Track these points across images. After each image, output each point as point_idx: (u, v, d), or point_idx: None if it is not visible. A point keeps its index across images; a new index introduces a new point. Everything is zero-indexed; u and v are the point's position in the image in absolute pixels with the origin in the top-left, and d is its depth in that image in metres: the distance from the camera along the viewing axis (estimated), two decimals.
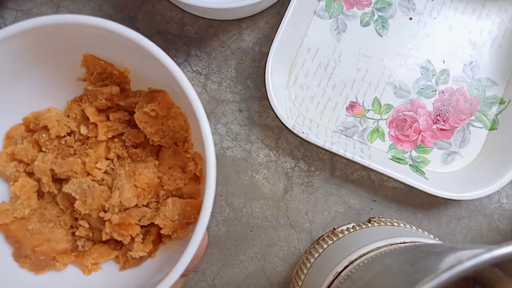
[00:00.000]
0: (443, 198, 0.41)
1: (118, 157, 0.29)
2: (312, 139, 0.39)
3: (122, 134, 0.29)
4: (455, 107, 0.42)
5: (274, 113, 0.39)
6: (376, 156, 0.40)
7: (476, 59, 0.42)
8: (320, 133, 0.40)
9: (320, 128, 0.41)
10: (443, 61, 0.42)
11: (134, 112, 0.29)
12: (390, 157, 0.41)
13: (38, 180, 0.29)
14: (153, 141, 0.29)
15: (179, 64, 0.42)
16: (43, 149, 0.29)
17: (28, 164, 0.29)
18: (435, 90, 0.42)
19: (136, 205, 0.27)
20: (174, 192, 0.29)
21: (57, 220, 0.29)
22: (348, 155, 0.39)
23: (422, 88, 0.42)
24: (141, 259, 0.28)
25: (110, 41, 0.26)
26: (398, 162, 0.41)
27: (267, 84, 0.39)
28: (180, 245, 0.27)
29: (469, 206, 0.41)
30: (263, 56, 0.43)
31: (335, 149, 0.39)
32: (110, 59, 0.28)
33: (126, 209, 0.27)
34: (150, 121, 0.28)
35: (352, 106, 0.42)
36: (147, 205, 0.28)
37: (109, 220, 0.27)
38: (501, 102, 0.41)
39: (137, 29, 0.43)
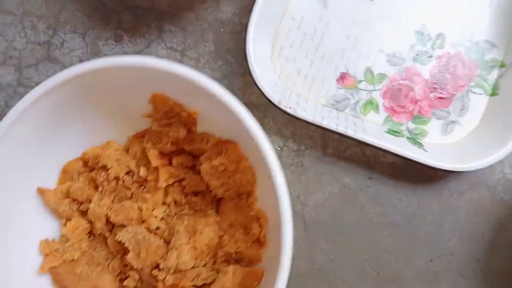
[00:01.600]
0: (444, 171, 0.39)
1: (175, 202, 0.28)
2: (301, 114, 0.37)
3: (182, 179, 0.28)
4: (453, 73, 0.40)
5: (259, 89, 0.36)
6: (371, 129, 0.38)
7: (473, 20, 0.40)
8: (309, 108, 0.38)
9: (309, 103, 0.39)
10: (438, 24, 0.40)
11: (198, 157, 0.28)
12: (386, 130, 0.39)
13: (91, 222, 0.28)
14: (215, 193, 0.27)
15: (151, 41, 0.40)
16: (100, 188, 0.28)
17: (82, 203, 0.28)
18: (431, 56, 0.40)
19: (192, 266, 0.26)
20: (233, 255, 0.27)
21: (105, 263, 0.28)
22: (340, 129, 0.37)
23: (417, 54, 0.40)
24: None
25: (179, 83, 0.25)
26: (395, 135, 0.39)
27: (248, 57, 0.37)
28: None
29: (470, 178, 0.39)
30: (244, 28, 0.40)
31: (325, 123, 0.37)
32: (179, 100, 0.27)
33: (180, 271, 0.26)
34: (217, 174, 0.26)
35: (342, 77, 0.40)
36: (205, 265, 0.27)
37: (163, 281, 0.26)
38: (502, 65, 0.39)
39: (103, 5, 0.40)
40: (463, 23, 0.40)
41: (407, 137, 0.39)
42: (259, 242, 0.27)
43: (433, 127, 0.40)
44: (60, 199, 0.28)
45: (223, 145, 0.27)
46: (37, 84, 0.39)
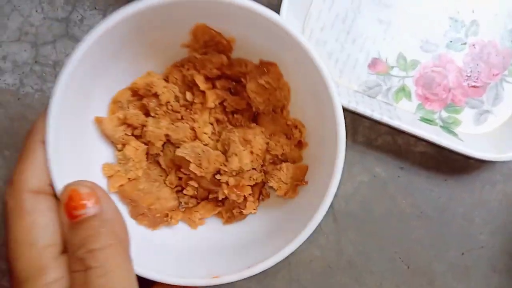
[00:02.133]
0: (476, 162, 0.38)
1: (217, 121, 0.32)
2: None
3: (224, 100, 0.32)
4: (487, 61, 0.39)
5: None
6: (404, 117, 0.37)
7: (508, 8, 0.39)
8: (341, 93, 0.37)
9: (340, 88, 0.37)
10: (473, 11, 0.39)
11: (237, 80, 0.32)
12: (419, 118, 0.38)
13: (147, 143, 0.31)
14: (257, 108, 0.31)
15: None
16: (152, 114, 0.31)
17: (135, 128, 0.31)
18: (465, 43, 0.39)
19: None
20: (279, 157, 0.32)
21: (161, 179, 0.32)
22: (376, 116, 0.35)
23: (451, 41, 0.39)
24: (246, 215, 0.32)
25: (221, 10, 0.27)
26: (428, 123, 0.38)
27: None
28: (279, 204, 0.32)
29: (503, 169, 0.39)
30: (272, 9, 0.38)
31: (361, 109, 0.35)
32: (218, 28, 0.30)
33: (240, 172, 0.31)
34: (261, 91, 0.31)
35: (374, 63, 0.39)
36: (254, 168, 0.31)
37: (226, 182, 0.31)
38: None
39: None
40: (498, 10, 0.39)
41: (441, 126, 0.38)
42: (300, 144, 0.32)
43: (466, 116, 0.39)
44: (116, 126, 0.31)
45: (265, 66, 0.31)
46: (54, 62, 0.38)
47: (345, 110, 0.36)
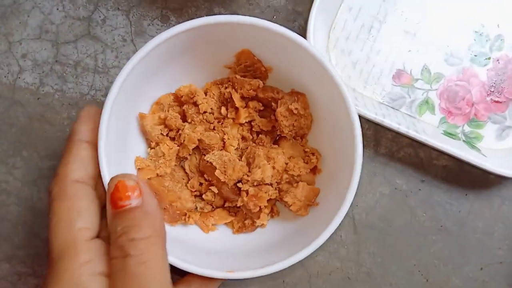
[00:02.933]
0: (496, 178, 0.39)
1: (243, 138, 0.35)
2: (362, 111, 0.35)
3: (252, 120, 0.35)
4: (510, 76, 0.39)
5: None
6: (428, 130, 0.37)
7: None
8: (367, 105, 0.37)
9: (365, 99, 0.37)
10: (498, 25, 0.39)
11: (267, 105, 0.35)
12: (442, 132, 0.38)
13: (179, 145, 0.34)
14: (282, 131, 0.34)
15: None
16: (189, 120, 0.34)
17: (171, 130, 0.34)
18: (489, 58, 0.39)
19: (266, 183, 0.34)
20: (295, 178, 0.34)
21: (183, 182, 0.35)
22: (403, 130, 0.35)
23: (475, 55, 0.39)
24: (256, 227, 0.35)
25: (266, 40, 0.31)
26: (451, 138, 0.38)
27: None
28: (288, 222, 0.35)
29: None
30: (297, 16, 0.39)
31: (388, 122, 0.35)
32: (259, 56, 0.34)
33: (259, 184, 0.33)
34: (289, 116, 0.34)
35: (399, 74, 0.39)
36: (271, 184, 0.34)
37: (246, 191, 0.33)
38: None
39: None
40: None
41: (463, 141, 0.38)
42: (315, 169, 0.35)
43: (488, 131, 0.39)
44: (155, 124, 0.34)
45: (295, 95, 0.34)
46: (75, 62, 0.37)
47: (368, 121, 0.37)
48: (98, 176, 0.29)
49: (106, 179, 0.28)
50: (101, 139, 0.29)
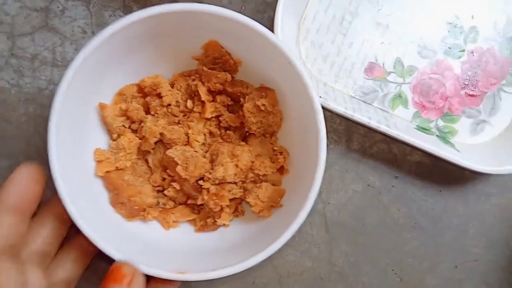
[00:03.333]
0: (471, 174, 0.38)
1: (210, 133, 0.34)
2: (331, 105, 0.34)
3: (220, 115, 0.34)
4: (485, 69, 0.38)
5: None
6: (401, 125, 0.36)
7: (508, 14, 0.38)
8: (338, 99, 0.36)
9: (336, 93, 0.36)
10: (472, 17, 0.38)
11: (236, 100, 0.34)
12: (415, 127, 0.37)
13: (141, 138, 0.33)
14: (249, 128, 0.33)
15: None
16: (152, 112, 0.33)
17: (133, 122, 0.33)
18: (463, 50, 0.38)
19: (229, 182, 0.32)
20: (261, 177, 0.33)
21: (145, 176, 0.34)
22: (374, 124, 0.34)
23: (449, 48, 0.38)
24: (218, 226, 0.33)
25: (234, 32, 0.30)
26: (424, 132, 0.37)
27: None
28: (252, 222, 0.33)
29: (498, 182, 0.38)
30: (267, 7, 0.37)
31: (358, 117, 0.34)
32: (228, 48, 0.33)
33: (221, 183, 0.32)
34: (256, 112, 0.33)
35: (371, 67, 0.37)
36: (235, 182, 0.33)
37: (207, 189, 0.32)
38: None
39: None
40: (498, 17, 0.38)
41: (437, 135, 0.37)
42: (282, 169, 0.34)
43: (462, 125, 0.38)
44: (116, 115, 0.33)
45: (264, 90, 0.33)
46: (32, 55, 0.36)
47: (340, 116, 0.36)
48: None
49: (56, 176, 0.28)
50: (51, 130, 0.28)
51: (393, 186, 0.37)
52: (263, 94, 0.33)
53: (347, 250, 0.37)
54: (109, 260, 0.28)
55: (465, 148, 0.37)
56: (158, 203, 0.34)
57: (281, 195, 0.33)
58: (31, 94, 0.36)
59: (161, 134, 0.32)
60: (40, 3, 0.36)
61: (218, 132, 0.34)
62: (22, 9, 0.36)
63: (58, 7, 0.36)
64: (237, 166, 0.32)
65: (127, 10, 0.36)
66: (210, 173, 0.32)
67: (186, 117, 0.34)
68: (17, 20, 0.36)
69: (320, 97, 0.34)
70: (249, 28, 0.29)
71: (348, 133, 0.37)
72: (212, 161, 0.32)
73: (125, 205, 0.32)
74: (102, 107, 0.32)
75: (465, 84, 0.38)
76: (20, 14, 0.36)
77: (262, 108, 0.32)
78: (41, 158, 0.33)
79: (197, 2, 0.37)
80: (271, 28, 0.35)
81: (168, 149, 0.33)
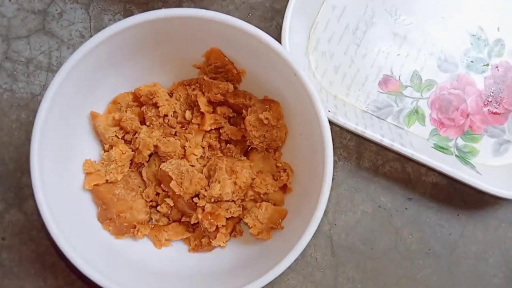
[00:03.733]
0: (492, 198, 0.35)
1: (210, 146, 0.32)
2: (341, 120, 0.32)
3: (220, 127, 0.32)
4: (511, 85, 0.35)
5: None
6: (416, 143, 0.34)
7: None
8: (348, 113, 0.33)
9: (347, 107, 0.34)
10: (498, 29, 0.36)
11: (239, 112, 0.32)
12: (432, 146, 0.34)
13: (135, 150, 0.31)
14: (251, 142, 0.31)
15: None
16: (147, 123, 0.31)
17: (127, 133, 0.31)
18: (487, 64, 0.35)
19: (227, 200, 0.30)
20: (262, 196, 0.31)
21: (138, 190, 0.31)
22: (387, 142, 0.32)
23: (472, 61, 0.35)
24: (213, 247, 0.31)
25: (238, 41, 0.29)
26: (442, 152, 0.34)
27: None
28: (251, 244, 0.31)
29: None
30: (276, 14, 0.35)
31: (369, 133, 0.32)
32: (231, 57, 0.30)
33: (218, 201, 0.30)
34: (259, 126, 0.30)
35: (386, 80, 0.35)
36: (233, 201, 0.30)
37: (202, 207, 0.30)
38: None
39: None
40: None
41: (456, 155, 0.35)
42: (285, 188, 0.32)
43: (484, 145, 0.35)
44: (109, 125, 0.31)
45: (268, 103, 0.31)
46: (27, 59, 0.34)
47: (351, 132, 0.33)
48: None
49: (37, 190, 0.26)
50: (34, 139, 0.27)
51: (406, 208, 0.35)
52: (267, 106, 0.31)
53: (354, 276, 0.34)
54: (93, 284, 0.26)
55: (487, 170, 0.34)
56: (151, 219, 0.32)
57: (282, 216, 0.31)
58: (24, 100, 0.34)
59: (155, 146, 0.30)
60: (38, 5, 0.34)
61: (218, 145, 0.32)
62: (19, 11, 0.34)
63: (56, 10, 0.34)
64: (235, 183, 0.29)
65: (128, 14, 0.35)
66: (206, 190, 0.30)
67: (184, 128, 0.32)
68: (13, 22, 0.34)
69: (329, 111, 0.32)
70: (254, 37, 0.28)
71: (359, 150, 0.35)
72: (209, 177, 0.30)
73: (114, 221, 0.30)
74: (94, 116, 0.31)
75: (488, 100, 0.35)
76: (17, 16, 0.34)
77: (265, 121, 0.30)
78: None
79: (202, 7, 0.35)
80: (279, 36, 0.33)
81: (163, 161, 0.31)
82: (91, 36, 0.34)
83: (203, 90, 0.31)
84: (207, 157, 0.32)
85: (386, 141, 0.32)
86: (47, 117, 0.27)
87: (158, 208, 0.31)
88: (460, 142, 0.35)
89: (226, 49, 0.30)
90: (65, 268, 0.33)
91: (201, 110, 0.31)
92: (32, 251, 0.33)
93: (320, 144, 0.28)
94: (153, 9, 0.35)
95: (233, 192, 0.30)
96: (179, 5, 0.35)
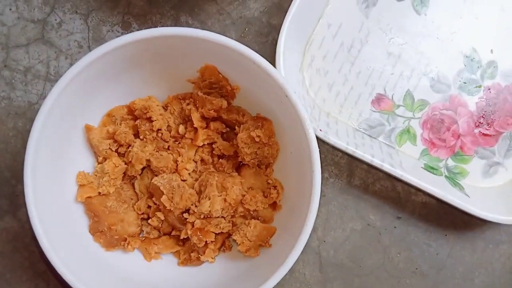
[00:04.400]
0: (480, 219, 0.35)
1: (202, 161, 0.32)
2: (332, 139, 0.32)
3: (213, 142, 0.32)
4: (502, 108, 0.36)
5: None
6: (406, 163, 0.34)
7: None
8: (340, 132, 0.33)
9: (339, 126, 0.34)
10: (491, 51, 0.36)
11: (232, 127, 0.32)
12: (423, 166, 0.35)
13: (127, 163, 0.31)
14: (243, 159, 0.31)
15: None
16: (141, 136, 0.31)
17: (121, 146, 0.32)
18: (480, 86, 0.36)
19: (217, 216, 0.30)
20: (251, 213, 0.31)
21: (130, 202, 0.32)
22: (376, 162, 0.32)
23: (464, 83, 0.36)
24: (202, 261, 0.31)
25: (231, 59, 0.29)
26: (432, 172, 0.35)
27: (277, 65, 0.32)
28: (239, 260, 0.31)
29: (510, 229, 0.35)
30: (272, 30, 0.36)
31: (359, 153, 0.32)
32: (226, 73, 0.31)
33: (208, 217, 0.30)
34: (250, 143, 0.31)
35: (379, 99, 0.35)
36: (223, 217, 0.31)
37: (192, 223, 0.30)
38: None
39: None
40: None
41: (446, 176, 0.35)
42: (275, 205, 0.32)
43: (474, 167, 0.35)
44: (103, 138, 0.31)
45: (260, 121, 0.31)
46: (26, 68, 0.34)
47: (343, 152, 0.33)
48: None
49: (29, 202, 0.27)
50: (29, 151, 0.27)
51: (395, 227, 0.35)
52: (259, 124, 0.31)
53: None
54: None
55: (476, 192, 0.35)
56: (142, 231, 0.32)
57: (271, 233, 0.31)
58: (21, 108, 0.34)
59: (148, 160, 0.31)
60: (38, 15, 0.35)
61: (211, 160, 0.32)
62: (19, 20, 0.35)
63: (55, 19, 0.35)
64: (225, 200, 0.30)
65: (126, 26, 0.35)
66: (196, 206, 0.30)
67: (177, 142, 0.32)
68: (13, 31, 0.35)
69: (320, 130, 0.32)
70: (245, 57, 0.28)
71: (350, 168, 0.35)
72: (200, 192, 0.31)
73: (105, 233, 0.31)
74: (88, 129, 0.31)
75: (479, 122, 0.36)
76: (17, 25, 0.35)
77: (257, 139, 0.30)
78: None
79: (200, 21, 0.35)
80: (274, 51, 0.33)
81: (156, 175, 0.31)
82: (89, 46, 0.35)
83: (197, 105, 0.32)
84: (199, 171, 0.32)
85: (376, 162, 0.32)
86: (43, 128, 0.27)
87: (149, 221, 0.32)
88: (451, 163, 0.35)
89: (220, 66, 0.31)
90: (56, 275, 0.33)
91: (194, 125, 0.31)
92: (25, 258, 0.34)
93: (308, 164, 0.28)
94: (151, 21, 0.35)
95: (223, 209, 0.30)
96: (176, 18, 0.35)
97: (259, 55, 0.28)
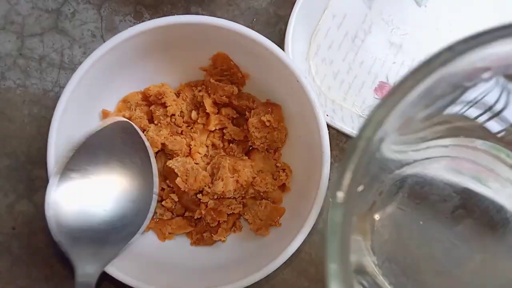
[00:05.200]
0: None
1: (213, 145, 0.34)
2: (338, 124, 0.34)
3: (224, 128, 0.34)
4: None
5: None
6: None
7: None
8: (345, 118, 0.35)
9: (344, 112, 0.36)
10: None
11: (242, 113, 0.34)
12: None
13: None
14: (253, 143, 0.33)
15: None
16: (155, 121, 0.33)
17: None
18: None
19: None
20: (261, 194, 0.33)
21: None
22: None
23: None
24: (214, 241, 0.33)
25: (242, 46, 0.30)
26: None
27: (286, 53, 0.33)
28: (250, 239, 0.33)
29: None
30: (279, 20, 0.37)
31: None
32: (237, 61, 0.32)
33: (220, 197, 0.31)
34: (261, 128, 0.32)
35: (381, 87, 0.37)
36: (235, 198, 0.32)
37: (206, 203, 0.32)
38: None
39: None
40: None
41: None
42: (284, 187, 0.33)
43: None
44: None
45: (270, 106, 0.33)
46: (40, 56, 0.35)
47: (347, 136, 0.35)
48: None
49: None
50: (51, 135, 0.28)
51: None
52: (269, 109, 0.32)
53: None
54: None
55: None
56: (155, 213, 0.34)
57: (280, 214, 0.32)
58: (36, 96, 0.35)
59: (163, 144, 0.32)
60: (52, 5, 0.36)
61: (221, 145, 0.34)
62: (33, 9, 0.36)
63: (69, 9, 0.36)
64: (237, 181, 0.31)
65: (138, 16, 0.36)
66: (209, 187, 0.31)
67: (189, 127, 0.33)
68: (27, 20, 0.36)
69: (327, 115, 0.34)
70: (258, 44, 0.29)
71: None
72: (212, 175, 0.32)
73: None
74: (105, 113, 0.32)
75: None
76: (32, 14, 0.36)
77: (267, 124, 0.32)
78: (42, 160, 0.32)
79: (209, 12, 0.37)
80: (282, 41, 0.34)
81: (169, 159, 0.32)
82: (102, 35, 0.36)
83: (209, 92, 0.33)
84: (211, 156, 0.33)
85: None
86: (63, 114, 0.29)
87: (163, 203, 0.33)
88: None
89: (231, 54, 0.32)
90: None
91: (206, 111, 0.33)
92: (41, 240, 0.35)
93: (318, 147, 0.29)
94: (162, 11, 0.36)
95: (235, 190, 0.31)
96: (187, 8, 0.37)
97: (271, 42, 0.29)
